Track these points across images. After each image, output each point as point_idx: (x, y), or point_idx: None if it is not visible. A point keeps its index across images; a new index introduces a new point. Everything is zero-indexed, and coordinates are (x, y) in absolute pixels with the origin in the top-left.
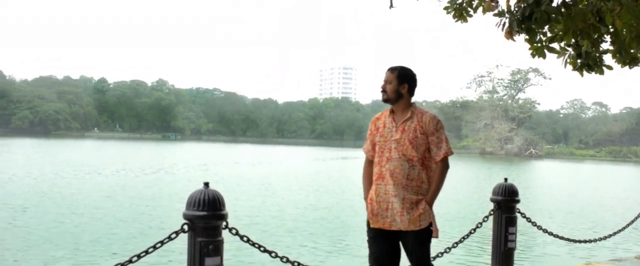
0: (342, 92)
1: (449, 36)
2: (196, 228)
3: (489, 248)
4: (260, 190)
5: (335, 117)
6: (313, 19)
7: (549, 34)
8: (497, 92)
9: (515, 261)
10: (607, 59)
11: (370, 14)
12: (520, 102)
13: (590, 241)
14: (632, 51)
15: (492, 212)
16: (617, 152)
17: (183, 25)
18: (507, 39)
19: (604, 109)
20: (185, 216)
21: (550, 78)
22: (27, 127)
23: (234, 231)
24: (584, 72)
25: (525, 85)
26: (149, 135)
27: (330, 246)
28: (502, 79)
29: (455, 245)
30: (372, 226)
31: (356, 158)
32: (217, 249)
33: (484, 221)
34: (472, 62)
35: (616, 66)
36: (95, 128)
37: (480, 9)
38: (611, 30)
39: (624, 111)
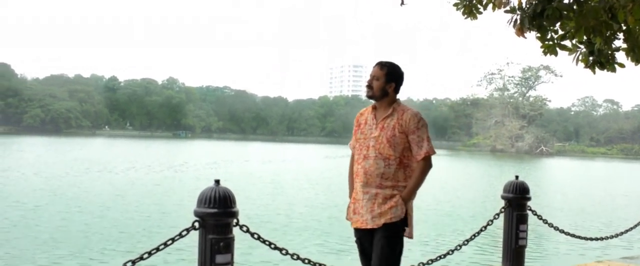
0: (352, 89)
1: (452, 35)
2: (207, 226)
3: (500, 245)
4: (270, 188)
5: (345, 114)
6: (313, 19)
7: (560, 31)
8: (508, 90)
9: (526, 259)
10: (620, 56)
11: (371, 14)
12: (531, 99)
13: (602, 239)
14: None
15: (503, 210)
16: (628, 150)
17: (183, 25)
18: (518, 36)
19: (615, 106)
20: (196, 214)
21: (561, 76)
22: (38, 125)
23: (244, 228)
24: (596, 70)
25: (536, 83)
26: (160, 133)
27: (340, 244)
28: (512, 77)
29: (466, 242)
30: (353, 226)
31: None
32: (228, 246)
33: (495, 218)
34: (475, 61)
35: (628, 63)
36: (106, 127)
37: (490, 5)
38: (624, 27)
39: (635, 108)
